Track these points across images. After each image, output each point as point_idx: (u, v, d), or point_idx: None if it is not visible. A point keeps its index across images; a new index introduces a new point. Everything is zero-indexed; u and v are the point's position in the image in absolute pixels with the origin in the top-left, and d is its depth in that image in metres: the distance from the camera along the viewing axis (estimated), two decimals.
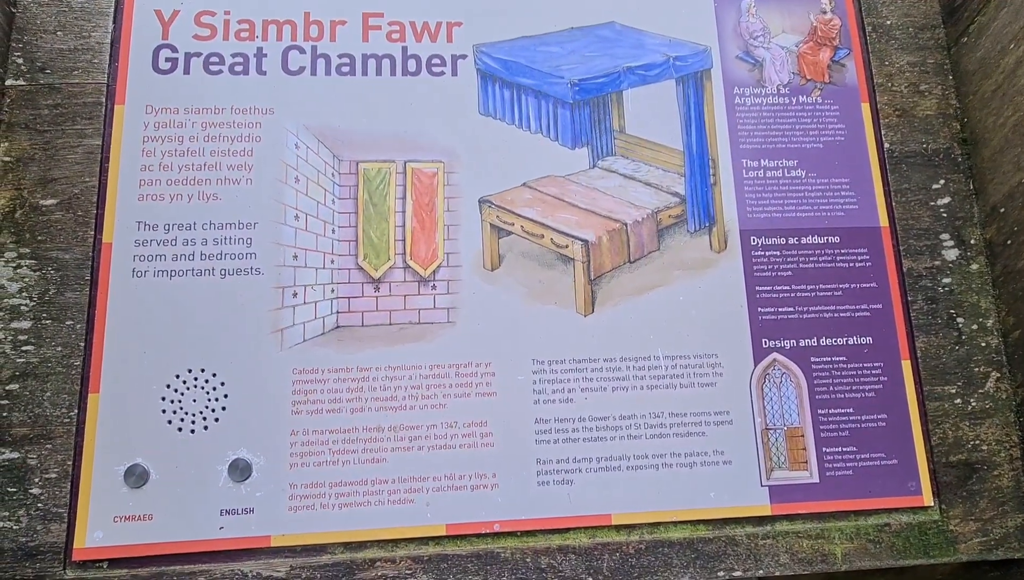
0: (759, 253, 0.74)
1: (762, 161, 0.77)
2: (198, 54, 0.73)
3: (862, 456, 0.69)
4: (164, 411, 0.65)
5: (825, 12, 0.82)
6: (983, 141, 0.77)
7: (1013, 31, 0.73)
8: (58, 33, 0.72)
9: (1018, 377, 0.71)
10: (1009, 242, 0.73)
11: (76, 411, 0.64)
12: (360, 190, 0.72)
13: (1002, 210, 0.74)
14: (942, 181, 0.78)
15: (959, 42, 0.81)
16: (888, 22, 0.82)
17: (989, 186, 0.76)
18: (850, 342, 0.72)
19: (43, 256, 0.67)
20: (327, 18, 0.75)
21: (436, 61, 0.76)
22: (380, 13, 0.76)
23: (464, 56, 0.76)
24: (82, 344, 0.65)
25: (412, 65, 0.75)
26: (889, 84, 0.80)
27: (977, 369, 0.72)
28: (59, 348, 0.65)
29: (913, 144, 0.79)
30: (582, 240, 0.72)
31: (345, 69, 0.74)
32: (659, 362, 0.70)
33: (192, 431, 0.64)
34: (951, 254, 0.76)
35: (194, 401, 0.65)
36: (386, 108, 0.74)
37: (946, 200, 0.77)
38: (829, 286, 0.74)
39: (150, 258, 0.67)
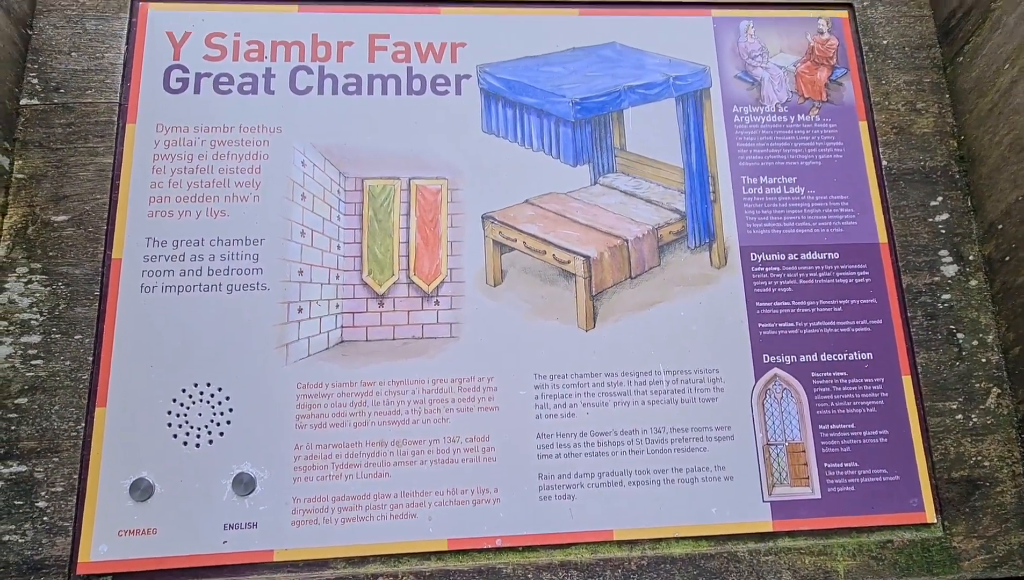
0: (759, 269, 0.75)
1: (761, 178, 0.78)
2: (208, 74, 0.74)
3: (864, 472, 0.69)
4: (170, 425, 0.65)
5: (822, 32, 0.84)
6: (980, 159, 0.78)
7: (1007, 52, 0.74)
8: (72, 54, 0.74)
9: (1019, 393, 0.72)
10: (1008, 258, 0.73)
11: (83, 425, 0.64)
12: (365, 206, 0.73)
13: (1000, 227, 0.75)
14: (940, 198, 0.79)
15: (955, 62, 0.82)
16: (884, 42, 0.84)
17: (987, 203, 0.77)
18: (851, 358, 0.73)
19: (54, 271, 0.68)
20: (334, 39, 0.77)
21: (440, 81, 0.77)
22: (386, 34, 0.78)
23: (468, 76, 0.78)
24: (90, 358, 0.66)
25: (417, 84, 0.77)
26: (886, 103, 0.82)
27: (978, 385, 0.73)
28: (68, 362, 0.66)
29: (911, 161, 0.80)
30: (584, 256, 0.73)
31: (351, 89, 0.76)
32: (660, 377, 0.70)
33: (197, 445, 0.65)
34: (950, 270, 0.76)
35: (200, 415, 0.66)
36: (391, 126, 0.75)
37: (944, 217, 0.78)
38: (829, 302, 0.74)
39: (158, 274, 0.68)
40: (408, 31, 0.78)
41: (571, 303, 0.72)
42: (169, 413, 0.65)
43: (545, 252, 0.73)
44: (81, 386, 0.65)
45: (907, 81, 0.83)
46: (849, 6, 0.85)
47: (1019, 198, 0.72)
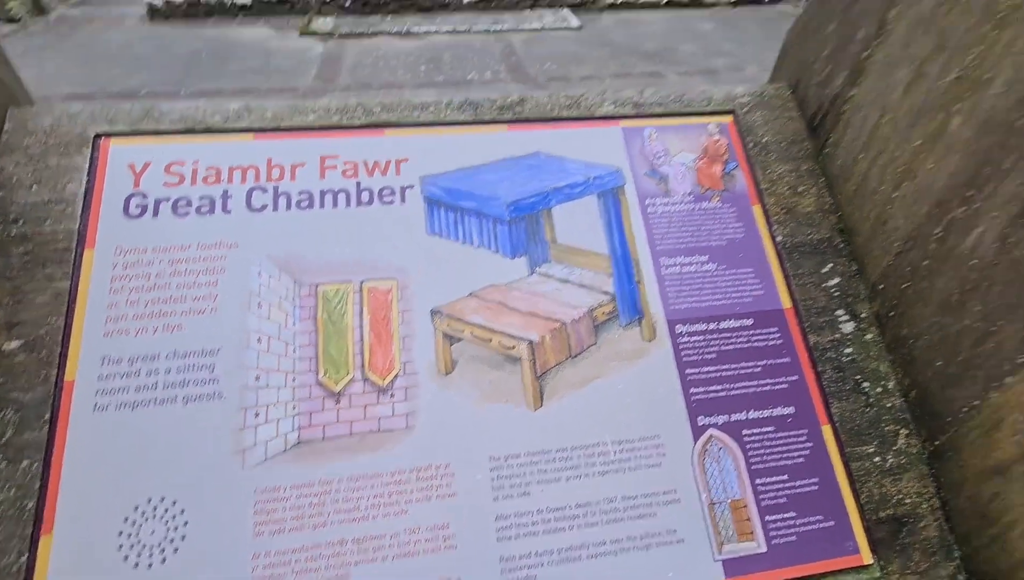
0: (685, 339, 0.83)
1: (678, 258, 0.88)
2: (167, 199, 0.80)
3: (801, 521, 0.74)
4: (120, 547, 0.64)
5: (713, 134, 0.99)
6: (856, 231, 0.92)
7: (859, 145, 0.90)
8: (33, 188, 0.78)
9: (923, 432, 0.80)
10: (892, 314, 0.85)
11: (26, 556, 0.62)
12: (319, 310, 0.78)
13: (881, 287, 0.87)
14: (830, 265, 0.91)
15: (823, 152, 0.98)
16: (765, 139, 0.99)
17: (868, 267, 0.89)
18: (775, 413, 0.80)
19: (3, 398, 0.68)
20: (287, 162, 0.85)
21: (387, 192, 0.86)
22: (336, 155, 0.87)
23: (411, 186, 0.87)
24: (37, 484, 0.65)
25: (365, 196, 0.85)
26: (773, 188, 0.95)
27: (887, 428, 0.81)
28: (12, 491, 0.64)
29: (801, 236, 0.92)
30: (527, 340, 0.79)
31: (304, 204, 0.83)
32: (607, 448, 0.75)
33: (150, 565, 0.63)
34: (848, 327, 0.87)
35: (152, 533, 0.65)
36: (342, 235, 0.82)
37: (836, 281, 0.90)
38: (749, 363, 0.82)
39: (112, 392, 0.70)
40: (355, 152, 0.87)
41: (518, 385, 0.77)
42: (120, 534, 0.64)
43: (491, 340, 0.79)
44: (26, 515, 0.64)
45: (788, 169, 0.97)
46: (732, 112, 1.01)
47: (890, 262, 0.84)
